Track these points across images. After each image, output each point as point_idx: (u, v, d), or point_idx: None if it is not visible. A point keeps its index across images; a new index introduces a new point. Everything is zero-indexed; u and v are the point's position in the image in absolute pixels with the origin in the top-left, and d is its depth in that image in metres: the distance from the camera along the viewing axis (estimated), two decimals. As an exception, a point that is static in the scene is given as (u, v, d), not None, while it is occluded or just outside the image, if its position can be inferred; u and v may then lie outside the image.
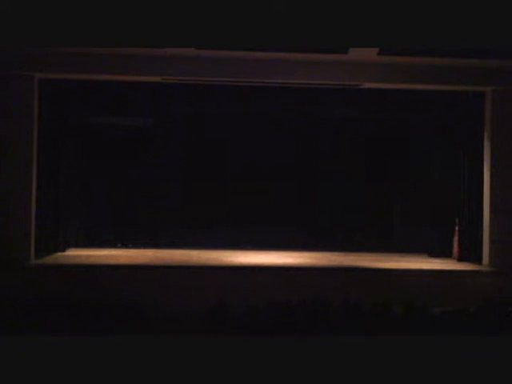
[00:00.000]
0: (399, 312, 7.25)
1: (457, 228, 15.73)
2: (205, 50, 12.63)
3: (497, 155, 14.60)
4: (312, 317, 7.16)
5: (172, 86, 14.55)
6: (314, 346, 5.12)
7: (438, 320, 6.95)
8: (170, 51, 12.79)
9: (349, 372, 4.93)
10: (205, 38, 7.88)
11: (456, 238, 15.75)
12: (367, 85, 14.49)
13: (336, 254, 16.60)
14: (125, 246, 17.22)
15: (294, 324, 6.61)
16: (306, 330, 6.33)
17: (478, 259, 14.89)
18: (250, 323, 6.68)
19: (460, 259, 15.45)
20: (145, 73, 14.03)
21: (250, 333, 6.12)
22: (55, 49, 12.64)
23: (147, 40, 7.85)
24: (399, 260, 15.65)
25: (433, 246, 16.50)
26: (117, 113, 15.81)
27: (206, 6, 7.40)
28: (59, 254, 15.59)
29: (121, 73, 13.94)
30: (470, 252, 15.33)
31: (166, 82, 14.39)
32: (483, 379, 4.89)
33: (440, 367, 4.96)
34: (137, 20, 7.36)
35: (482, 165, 14.93)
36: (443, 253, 16.10)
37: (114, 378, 4.80)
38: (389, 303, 7.45)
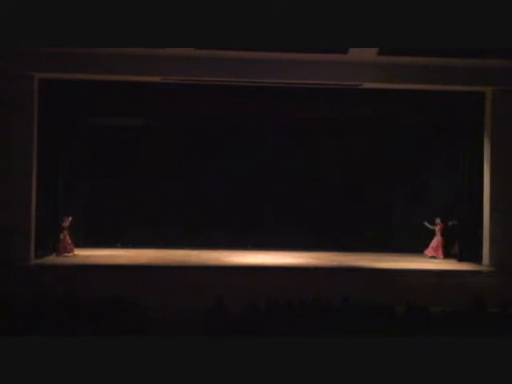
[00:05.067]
0: (399, 312, 7.25)
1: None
2: (205, 50, 12.63)
3: (497, 155, 14.60)
4: (312, 317, 7.15)
5: (172, 86, 14.54)
6: (314, 345, 5.12)
7: (438, 320, 6.95)
8: (169, 51, 12.79)
9: (349, 372, 4.93)
10: (205, 38, 7.87)
11: (438, 237, 15.97)
12: (367, 85, 14.48)
13: (336, 253, 16.60)
14: (125, 246, 17.23)
15: (294, 324, 6.60)
16: (306, 329, 6.32)
17: (477, 259, 14.90)
18: (249, 323, 6.68)
19: (460, 259, 15.47)
20: (145, 73, 14.03)
21: (250, 333, 6.12)
22: (55, 49, 12.64)
23: (147, 40, 7.84)
24: (399, 260, 15.66)
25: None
26: (117, 113, 15.79)
27: (205, 6, 7.40)
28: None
29: (121, 73, 13.95)
30: (470, 252, 15.35)
31: (165, 82, 14.39)
32: (483, 379, 4.89)
33: (440, 367, 4.96)
34: (137, 20, 7.36)
35: (482, 165, 14.93)
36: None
37: (114, 378, 4.80)
38: (389, 303, 7.45)
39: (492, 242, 14.49)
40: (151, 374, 4.90)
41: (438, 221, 16.07)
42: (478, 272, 14.04)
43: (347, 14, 7.44)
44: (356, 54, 13.16)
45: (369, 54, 13.18)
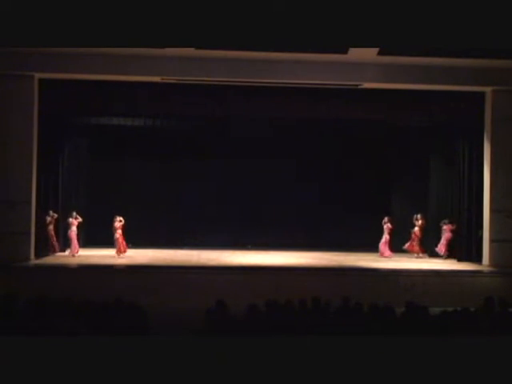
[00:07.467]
0: (399, 312, 7.24)
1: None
2: (205, 50, 12.63)
3: (497, 155, 14.60)
4: (312, 317, 7.15)
5: (172, 86, 14.54)
6: (314, 345, 5.12)
7: (438, 320, 6.94)
8: (169, 51, 12.79)
9: (349, 372, 4.93)
10: (205, 38, 7.87)
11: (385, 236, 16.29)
12: (367, 85, 14.48)
13: (336, 253, 16.62)
14: (125, 245, 17.23)
15: (293, 324, 6.60)
16: (305, 329, 6.32)
17: (478, 259, 14.91)
18: (249, 323, 6.67)
19: (460, 259, 15.48)
20: (145, 73, 14.04)
21: (250, 333, 6.11)
22: (55, 49, 12.64)
23: (147, 40, 7.85)
24: (399, 260, 15.68)
25: (433, 246, 16.54)
26: (117, 113, 15.79)
27: (206, 6, 7.40)
28: (59, 254, 15.62)
29: (121, 73, 13.95)
30: (470, 252, 15.35)
31: (165, 82, 14.39)
32: (483, 379, 4.88)
33: (440, 367, 4.96)
34: (137, 20, 7.36)
35: (482, 164, 14.93)
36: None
37: (114, 378, 4.80)
38: (389, 303, 7.45)
39: (492, 241, 14.49)
40: (151, 374, 4.90)
41: (385, 219, 16.37)
42: (478, 272, 14.05)
43: (347, 14, 7.44)
44: (356, 53, 13.17)
45: (369, 54, 13.18)
